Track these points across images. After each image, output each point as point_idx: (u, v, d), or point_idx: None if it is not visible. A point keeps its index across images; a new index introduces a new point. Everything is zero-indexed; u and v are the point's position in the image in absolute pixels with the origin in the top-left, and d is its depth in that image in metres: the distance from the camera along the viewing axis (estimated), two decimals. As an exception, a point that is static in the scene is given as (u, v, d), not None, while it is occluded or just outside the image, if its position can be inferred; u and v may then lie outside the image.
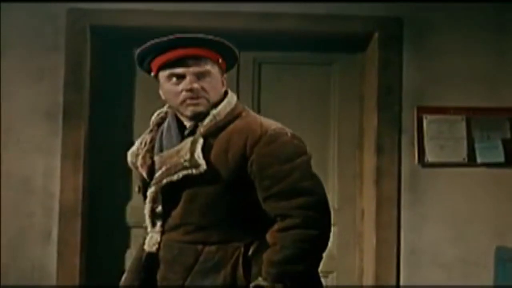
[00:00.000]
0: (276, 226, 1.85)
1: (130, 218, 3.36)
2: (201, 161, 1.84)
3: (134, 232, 3.34)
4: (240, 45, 3.34)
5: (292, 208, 1.82)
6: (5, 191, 3.13)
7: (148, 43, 1.95)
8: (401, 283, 3.17)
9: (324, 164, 3.41)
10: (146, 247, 1.98)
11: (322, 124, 3.43)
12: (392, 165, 3.19)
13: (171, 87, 1.93)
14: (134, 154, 2.05)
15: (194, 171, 1.85)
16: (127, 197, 3.35)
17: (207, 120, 1.91)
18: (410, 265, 3.18)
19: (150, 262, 1.96)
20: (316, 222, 1.83)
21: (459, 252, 3.19)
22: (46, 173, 3.14)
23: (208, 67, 1.93)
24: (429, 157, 3.19)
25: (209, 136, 1.90)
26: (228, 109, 1.94)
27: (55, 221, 3.13)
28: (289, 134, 1.91)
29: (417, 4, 3.22)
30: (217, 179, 1.87)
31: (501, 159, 3.18)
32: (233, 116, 1.94)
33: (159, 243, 1.96)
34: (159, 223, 1.96)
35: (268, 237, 1.87)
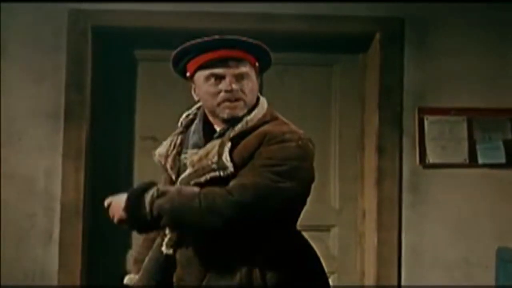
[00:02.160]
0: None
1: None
2: (229, 164, 1.84)
3: (135, 232, 3.33)
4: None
5: (243, 185, 1.79)
6: (6, 191, 3.13)
7: (189, 43, 1.94)
8: (402, 283, 3.17)
9: (325, 164, 3.41)
10: (163, 248, 1.97)
11: (323, 125, 3.43)
12: (393, 166, 3.19)
13: (209, 88, 1.93)
14: (163, 155, 2.05)
15: (221, 173, 1.84)
16: (128, 197, 3.35)
17: (239, 126, 1.91)
18: (411, 265, 3.18)
19: (166, 263, 1.97)
20: (253, 203, 1.78)
21: (461, 252, 3.19)
22: (47, 173, 3.15)
23: (247, 69, 1.94)
24: (430, 158, 3.19)
25: (235, 139, 1.89)
26: (260, 115, 1.94)
27: (57, 221, 3.13)
28: (299, 142, 1.88)
29: (418, 5, 3.22)
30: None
31: (503, 160, 3.18)
32: (263, 121, 1.93)
33: (176, 245, 1.95)
34: None
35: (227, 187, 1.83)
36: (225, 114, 1.92)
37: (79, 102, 3.17)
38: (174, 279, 1.96)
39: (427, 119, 3.20)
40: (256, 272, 1.85)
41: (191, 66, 1.96)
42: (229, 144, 1.87)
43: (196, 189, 1.83)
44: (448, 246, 3.19)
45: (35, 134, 3.16)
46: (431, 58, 3.22)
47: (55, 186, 3.14)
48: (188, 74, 1.99)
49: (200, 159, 1.89)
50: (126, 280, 2.15)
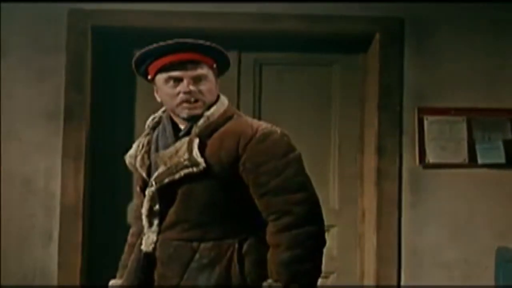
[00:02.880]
0: (273, 226, 1.89)
1: (131, 219, 3.35)
2: (200, 159, 1.91)
3: (135, 232, 3.34)
4: (240, 46, 3.40)
5: (290, 204, 1.87)
6: (6, 192, 3.13)
7: (148, 47, 2.02)
8: (402, 283, 3.17)
9: (325, 165, 3.41)
10: (143, 247, 2.03)
11: (323, 125, 3.43)
12: (393, 166, 3.19)
13: (168, 90, 2.01)
14: (133, 156, 2.13)
15: (194, 169, 1.92)
16: (128, 197, 3.35)
17: (201, 121, 1.98)
18: (411, 265, 3.18)
19: (147, 261, 2.03)
20: (315, 217, 1.90)
21: (460, 252, 3.19)
22: (47, 173, 3.15)
23: (204, 71, 2.01)
24: (430, 158, 3.19)
25: (203, 137, 1.97)
26: (221, 110, 2.02)
27: (56, 221, 3.14)
28: (279, 132, 1.98)
29: (418, 5, 3.22)
30: (212, 177, 1.93)
31: (502, 160, 3.18)
32: (226, 117, 2.01)
33: (156, 243, 2.01)
34: (155, 222, 2.02)
35: (269, 238, 1.90)
36: (185, 114, 2.00)
37: (79, 102, 3.17)
38: (155, 277, 2.02)
39: (427, 119, 3.20)
40: (235, 268, 1.92)
41: (152, 69, 2.04)
42: (197, 140, 1.94)
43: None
44: (448, 246, 3.19)
45: (35, 134, 3.16)
46: (431, 58, 3.22)
47: (55, 186, 3.14)
48: (149, 76, 2.07)
49: (171, 157, 1.96)
50: (110, 284, 2.23)
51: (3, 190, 3.13)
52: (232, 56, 3.36)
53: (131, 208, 3.37)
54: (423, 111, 3.20)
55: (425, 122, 3.19)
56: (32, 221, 3.14)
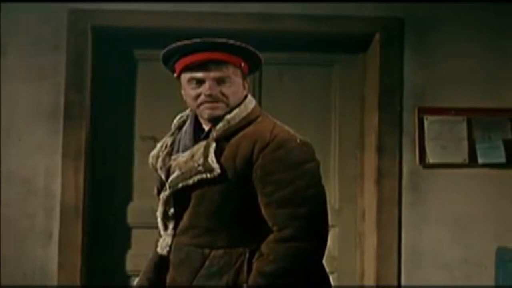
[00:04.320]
0: (272, 236, 1.84)
1: (131, 219, 3.36)
2: (215, 165, 1.86)
3: (135, 232, 3.34)
4: (241, 46, 3.39)
5: (291, 218, 1.81)
6: (6, 191, 3.13)
7: (173, 45, 1.96)
8: (402, 283, 3.17)
9: (325, 164, 3.40)
10: (158, 249, 2.01)
11: (323, 125, 3.43)
12: (393, 166, 3.19)
13: (190, 91, 1.95)
14: (155, 156, 2.07)
15: (208, 175, 1.86)
16: (128, 197, 3.35)
17: (220, 125, 1.92)
18: (411, 265, 3.18)
19: (161, 264, 2.02)
20: (313, 234, 1.82)
21: (460, 252, 3.19)
22: (47, 173, 3.15)
23: (229, 72, 1.93)
24: (430, 158, 3.19)
25: (221, 140, 1.91)
26: (244, 114, 1.95)
27: (56, 221, 3.13)
28: (298, 141, 1.90)
29: (418, 5, 3.22)
30: (225, 183, 1.88)
31: (502, 159, 3.18)
32: (248, 121, 1.94)
33: (170, 246, 1.99)
34: (171, 226, 1.99)
35: (263, 246, 1.86)
36: (206, 114, 1.94)
37: (79, 102, 3.17)
38: (168, 280, 2.00)
39: (427, 119, 3.20)
40: (244, 275, 1.87)
41: (177, 67, 1.98)
42: (213, 145, 1.89)
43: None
44: (448, 246, 3.19)
45: (35, 134, 3.16)
46: (431, 58, 3.22)
47: (55, 186, 3.14)
48: (175, 74, 2.02)
49: (186, 161, 1.92)
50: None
51: (3, 190, 3.13)
52: (232, 56, 3.40)
53: (131, 208, 3.37)
54: (423, 111, 3.20)
55: (425, 122, 3.19)
56: (32, 221, 3.14)
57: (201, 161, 1.88)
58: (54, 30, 3.17)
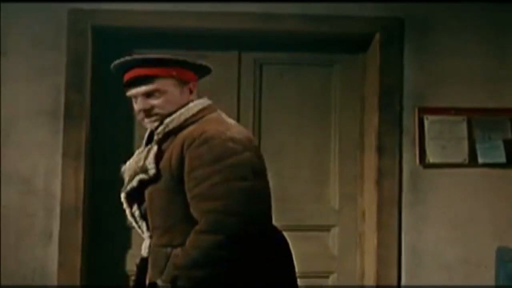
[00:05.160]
0: (195, 227, 1.87)
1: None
2: (150, 166, 1.96)
3: (135, 232, 3.33)
4: (240, 46, 3.39)
5: (205, 211, 1.84)
6: (6, 191, 3.13)
7: (114, 63, 2.09)
8: (402, 283, 3.17)
9: (325, 164, 3.41)
10: (142, 251, 2.13)
11: (323, 125, 3.43)
12: (393, 166, 3.19)
13: (134, 106, 2.08)
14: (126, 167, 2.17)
15: (145, 176, 1.97)
16: (128, 197, 3.35)
17: (160, 128, 2.03)
18: (411, 265, 3.18)
19: (143, 265, 2.12)
20: (225, 228, 1.81)
21: (460, 252, 3.19)
22: (47, 173, 3.15)
23: (157, 85, 2.01)
24: (430, 158, 3.19)
25: (162, 143, 2.02)
26: (185, 116, 2.02)
27: (56, 221, 3.13)
28: (223, 137, 1.89)
29: (418, 5, 3.22)
30: (166, 183, 1.95)
31: (502, 159, 3.18)
32: (190, 122, 2.01)
33: (149, 247, 2.09)
34: (144, 228, 2.09)
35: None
36: (148, 126, 2.09)
37: (79, 102, 3.17)
38: (147, 279, 2.07)
39: (427, 119, 3.20)
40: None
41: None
42: (155, 148, 2.00)
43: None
44: (448, 246, 3.19)
45: (35, 134, 3.16)
46: (431, 58, 3.23)
47: (55, 186, 3.14)
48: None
49: (131, 165, 2.06)
50: None
51: (3, 189, 3.13)
52: (232, 56, 3.41)
53: (131, 208, 3.37)
54: (423, 111, 3.20)
55: (426, 122, 3.19)
56: (32, 221, 3.14)
57: (140, 163, 1.99)
58: (54, 30, 3.17)
